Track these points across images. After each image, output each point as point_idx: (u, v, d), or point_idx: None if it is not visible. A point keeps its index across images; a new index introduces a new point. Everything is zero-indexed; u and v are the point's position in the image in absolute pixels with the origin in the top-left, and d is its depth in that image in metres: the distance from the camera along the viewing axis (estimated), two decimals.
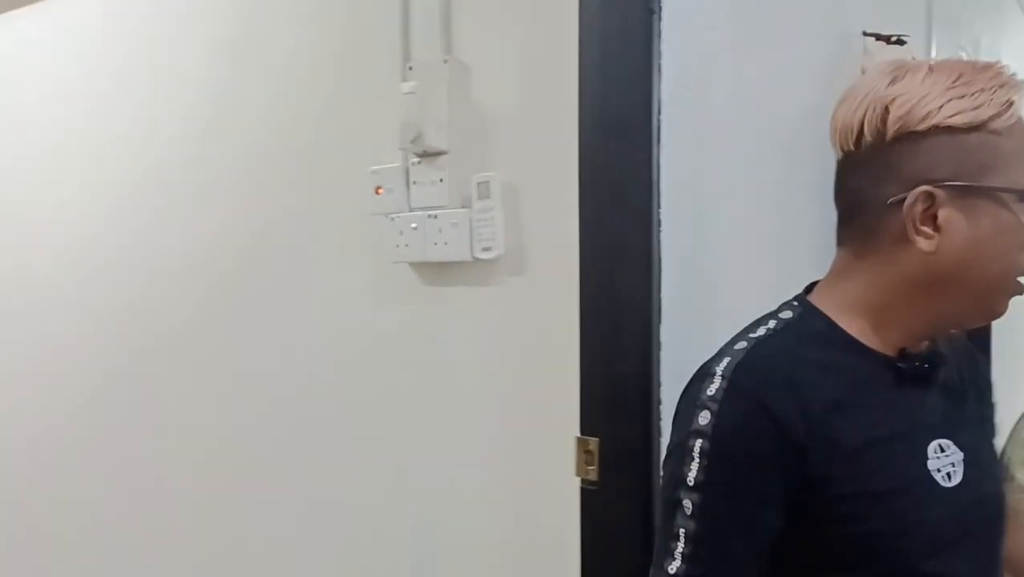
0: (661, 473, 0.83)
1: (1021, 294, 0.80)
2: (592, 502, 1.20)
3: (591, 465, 1.20)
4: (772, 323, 0.84)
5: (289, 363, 1.63)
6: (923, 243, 0.77)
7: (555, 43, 1.23)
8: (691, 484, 0.76)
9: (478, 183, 1.35)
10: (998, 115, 0.76)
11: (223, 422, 1.76)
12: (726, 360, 0.79)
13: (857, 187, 0.82)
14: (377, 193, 1.43)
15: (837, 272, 0.85)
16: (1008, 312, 0.82)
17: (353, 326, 1.53)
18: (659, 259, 1.14)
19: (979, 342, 1.10)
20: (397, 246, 1.42)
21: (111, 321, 1.99)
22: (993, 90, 0.76)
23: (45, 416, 2.16)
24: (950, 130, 0.76)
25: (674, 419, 0.82)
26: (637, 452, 1.16)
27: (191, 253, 1.80)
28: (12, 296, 2.23)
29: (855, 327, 0.82)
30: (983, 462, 0.86)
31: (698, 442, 0.76)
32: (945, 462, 0.80)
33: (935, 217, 0.77)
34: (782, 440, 0.74)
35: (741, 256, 1.23)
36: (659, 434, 1.16)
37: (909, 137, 0.77)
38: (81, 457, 2.07)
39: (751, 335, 0.82)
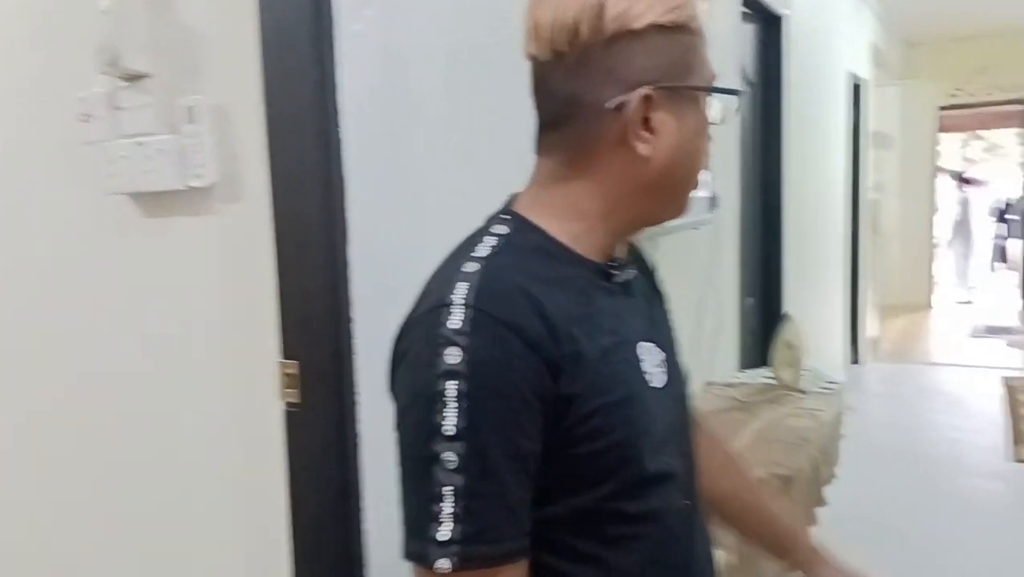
0: (397, 429, 0.72)
1: (694, 190, 0.83)
2: (295, 423, 1.22)
3: (293, 388, 1.21)
4: (491, 240, 0.77)
5: (6, 297, 1.57)
6: (641, 147, 0.75)
7: None
8: (450, 433, 0.67)
9: (186, 107, 1.30)
10: (694, 15, 0.77)
11: None
12: (461, 286, 0.71)
13: (571, 91, 0.76)
14: (84, 120, 1.37)
15: (543, 181, 0.80)
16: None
17: (71, 258, 1.48)
18: (341, 178, 1.14)
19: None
20: (110, 176, 1.36)
21: None
22: None
23: None
24: (663, 29, 0.74)
25: (400, 364, 0.73)
26: (333, 373, 1.18)
27: None
28: None
29: (567, 236, 0.79)
30: (676, 360, 0.88)
31: (451, 384, 0.67)
32: (652, 364, 0.81)
33: (648, 120, 0.75)
34: (539, 362, 0.69)
35: (432, 172, 1.23)
36: (352, 353, 1.18)
37: (626, 37, 0.74)
38: None
39: (475, 254, 0.75)
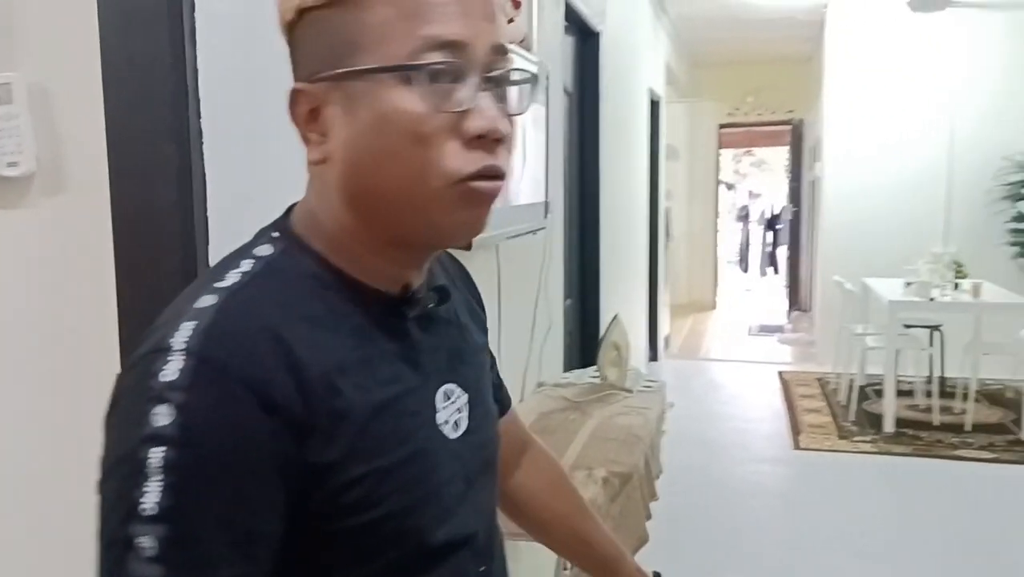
0: (98, 497, 0.56)
1: (482, 199, 0.63)
2: None
3: None
4: (246, 264, 0.63)
5: None
6: (311, 152, 0.64)
7: None
8: (151, 513, 0.53)
9: None
10: None
11: None
12: (187, 326, 0.57)
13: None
14: None
15: (308, 186, 0.68)
16: None
17: None
18: (202, 171, 1.03)
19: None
20: None
21: None
22: None
23: None
24: (310, 11, 0.62)
25: (109, 415, 0.58)
26: None
27: None
28: None
29: (345, 261, 0.65)
30: (484, 399, 0.77)
31: (156, 451, 0.53)
32: (452, 410, 0.70)
33: (317, 118, 0.63)
34: (279, 427, 0.56)
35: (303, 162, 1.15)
36: None
37: (289, 27, 0.64)
38: None
39: (218, 284, 0.61)
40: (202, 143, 1.03)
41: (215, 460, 0.54)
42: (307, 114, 0.63)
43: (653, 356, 6.43)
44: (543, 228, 2.48)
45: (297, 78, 0.65)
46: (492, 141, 0.62)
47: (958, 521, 3.52)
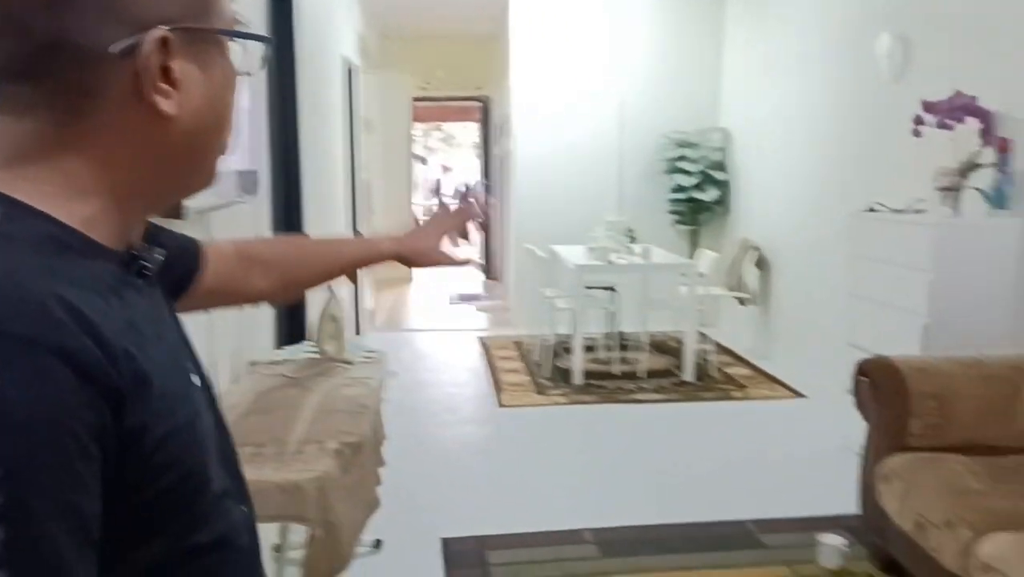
0: None
1: (224, 153, 0.70)
2: None
3: None
4: None
5: None
6: (164, 103, 0.61)
7: None
8: None
9: None
10: None
11: None
12: None
13: (53, 29, 0.57)
14: None
15: (21, 149, 0.60)
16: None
17: None
18: None
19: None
20: None
21: None
22: None
23: None
24: None
25: None
26: None
27: None
28: None
29: (78, 221, 0.60)
30: (193, 349, 0.75)
31: None
32: (189, 362, 0.69)
33: (168, 69, 0.61)
34: (96, 395, 0.52)
35: None
36: None
37: None
38: None
39: None
40: None
41: (44, 443, 0.49)
42: (160, 63, 0.61)
43: (357, 329, 6.42)
44: (251, 197, 2.35)
45: (112, 20, 0.59)
46: None
47: (639, 453, 3.99)
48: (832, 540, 2.73)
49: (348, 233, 5.69)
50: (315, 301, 2.98)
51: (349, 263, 1.18)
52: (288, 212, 3.65)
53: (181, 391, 0.63)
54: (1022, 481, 2.34)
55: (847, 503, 2.91)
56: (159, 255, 0.70)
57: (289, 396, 2.27)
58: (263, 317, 2.99)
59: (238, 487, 0.74)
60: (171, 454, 0.59)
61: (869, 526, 2.75)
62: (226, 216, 2.20)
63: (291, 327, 3.33)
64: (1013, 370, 2.72)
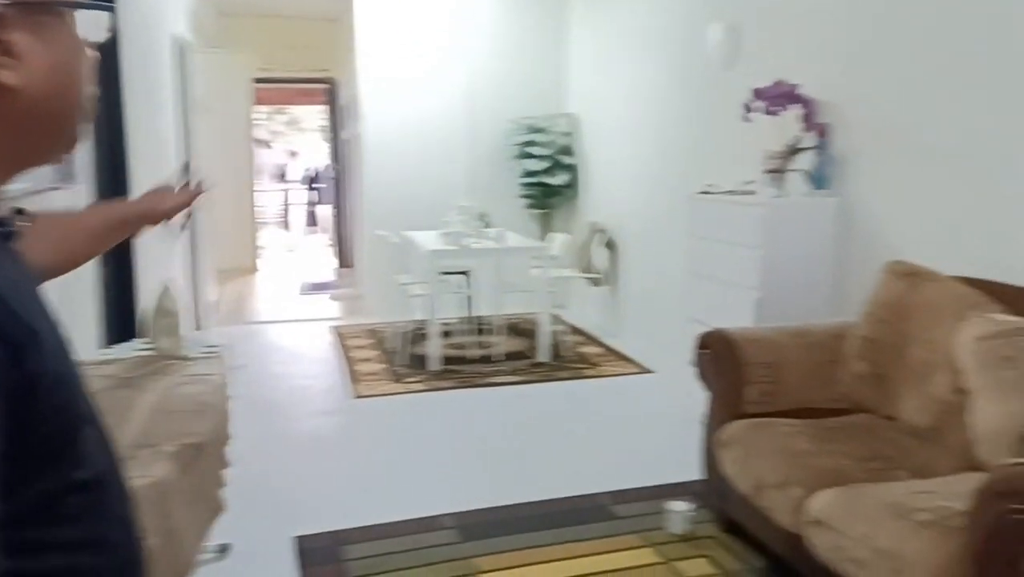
0: None
1: (88, 119, 0.74)
2: None
3: None
4: None
5: None
6: (6, 75, 0.64)
7: None
8: None
9: None
10: None
11: None
12: None
13: None
14: None
15: None
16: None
17: None
18: None
19: None
20: None
21: None
22: None
23: None
24: None
25: None
26: None
27: None
28: None
29: None
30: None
31: None
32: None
33: (7, 43, 0.64)
34: (5, 352, 0.57)
35: None
36: None
37: None
38: None
39: None
40: None
41: None
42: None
43: (198, 324, 6.09)
44: (71, 182, 2.15)
45: None
46: None
47: (498, 435, 4.03)
48: (679, 507, 2.86)
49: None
50: (146, 295, 2.79)
51: (108, 231, 1.27)
52: (115, 199, 3.40)
53: (66, 345, 0.68)
54: (843, 440, 2.54)
55: (693, 470, 3.06)
56: (24, 221, 0.76)
57: (119, 398, 2.11)
58: (84, 312, 2.77)
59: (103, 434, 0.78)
60: (61, 396, 0.64)
61: (712, 491, 2.90)
62: (41, 203, 2.01)
63: (120, 324, 3.11)
64: (833, 338, 2.93)
